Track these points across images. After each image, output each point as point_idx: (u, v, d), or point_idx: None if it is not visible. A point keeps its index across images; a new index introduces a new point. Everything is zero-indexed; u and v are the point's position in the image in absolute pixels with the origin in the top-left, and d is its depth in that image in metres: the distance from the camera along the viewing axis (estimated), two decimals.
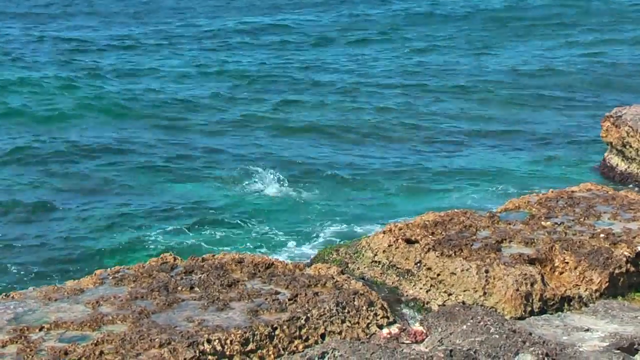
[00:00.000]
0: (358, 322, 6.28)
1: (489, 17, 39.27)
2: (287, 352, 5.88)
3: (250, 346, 5.79)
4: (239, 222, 14.24)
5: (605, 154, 16.21)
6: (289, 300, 6.34)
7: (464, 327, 5.84)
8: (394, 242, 7.94)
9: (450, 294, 7.31)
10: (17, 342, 5.63)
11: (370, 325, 6.30)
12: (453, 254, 7.50)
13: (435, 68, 28.68)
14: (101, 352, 5.49)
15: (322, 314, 6.19)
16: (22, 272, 12.30)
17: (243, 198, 15.81)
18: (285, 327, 5.98)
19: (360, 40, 34.36)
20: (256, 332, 5.85)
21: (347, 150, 19.32)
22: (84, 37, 34.68)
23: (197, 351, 5.56)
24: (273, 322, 5.98)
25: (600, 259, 7.39)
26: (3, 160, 17.78)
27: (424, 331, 6.00)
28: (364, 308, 6.37)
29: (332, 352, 5.46)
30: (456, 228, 8.13)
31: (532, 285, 7.05)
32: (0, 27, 36.53)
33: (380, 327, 6.28)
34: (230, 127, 21.20)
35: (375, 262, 8.02)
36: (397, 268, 7.81)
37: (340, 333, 6.15)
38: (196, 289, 6.54)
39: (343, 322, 6.23)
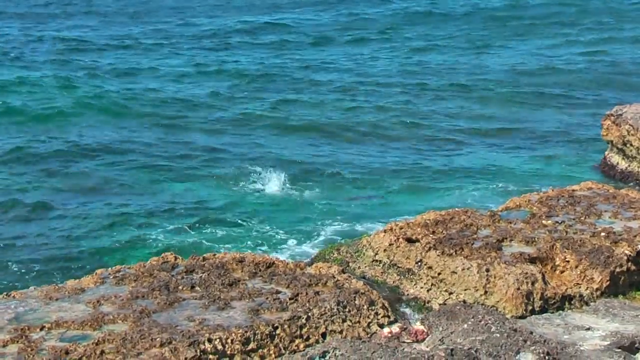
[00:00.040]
0: (359, 321, 6.28)
1: (489, 16, 39.27)
2: (288, 352, 5.88)
3: (251, 345, 5.79)
4: (239, 221, 14.24)
5: (606, 153, 16.22)
6: (290, 299, 6.33)
7: (465, 326, 5.84)
8: (395, 241, 7.94)
9: (451, 293, 7.31)
10: (18, 341, 5.63)
11: (371, 324, 6.30)
12: (454, 253, 7.50)
13: (435, 67, 28.67)
14: (102, 352, 5.49)
15: (323, 313, 6.19)
16: (23, 272, 12.30)
17: (243, 197, 15.80)
18: (286, 326, 5.98)
19: (360, 39, 34.36)
20: (257, 332, 5.85)
21: (347, 149, 19.32)
22: (83, 36, 34.67)
23: (198, 350, 5.56)
24: (274, 321, 5.98)
25: (601, 258, 7.39)
26: (3, 160, 17.77)
27: (425, 330, 6.00)
28: (365, 307, 6.37)
29: (333, 351, 5.46)
30: (457, 227, 8.13)
31: (533, 284, 7.05)
32: None
33: (381, 326, 6.28)
34: (230, 126, 21.19)
35: (376, 261, 8.02)
36: (398, 267, 7.81)
37: (341, 332, 6.15)
38: (197, 288, 6.54)
39: (344, 321, 6.23)
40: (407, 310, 7.37)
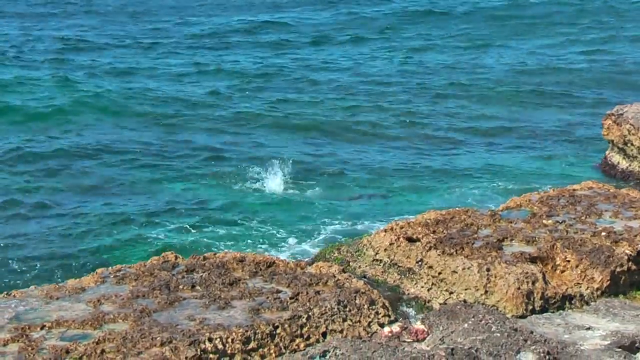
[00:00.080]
0: (359, 321, 6.28)
1: (489, 15, 39.26)
2: (288, 351, 5.88)
3: (252, 345, 5.79)
4: (240, 220, 14.24)
5: (607, 152, 16.22)
6: (290, 298, 6.33)
7: (466, 325, 5.84)
8: (396, 240, 7.94)
9: (451, 293, 7.31)
10: (18, 340, 5.63)
11: (371, 323, 6.30)
12: (454, 253, 7.50)
13: (435, 66, 28.67)
14: (102, 351, 5.49)
15: (323, 312, 6.19)
16: (23, 271, 12.30)
17: (244, 196, 15.80)
18: (286, 325, 5.98)
19: (360, 39, 34.35)
20: (257, 331, 5.85)
21: (347, 149, 19.32)
22: (82, 36, 34.66)
23: (199, 350, 5.56)
24: (274, 321, 5.98)
25: (602, 257, 7.39)
26: (2, 159, 17.78)
27: (426, 330, 5.99)
28: (366, 306, 6.37)
29: (334, 350, 5.46)
30: (457, 226, 8.12)
31: (533, 283, 7.05)
32: None
33: (382, 325, 6.28)
34: (231, 125, 21.20)
35: (377, 260, 8.02)
36: (399, 266, 7.81)
37: (341, 332, 6.14)
38: (197, 287, 6.54)
39: (344, 320, 6.22)
40: (408, 310, 7.37)
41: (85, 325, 5.86)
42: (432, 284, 7.49)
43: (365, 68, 28.58)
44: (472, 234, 7.93)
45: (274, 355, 5.82)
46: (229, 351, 5.69)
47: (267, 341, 5.85)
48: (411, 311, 7.35)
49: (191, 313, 6.07)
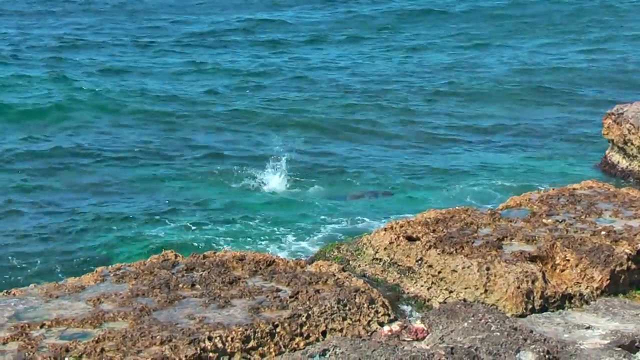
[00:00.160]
0: (359, 320, 6.28)
1: (488, 14, 39.23)
2: (288, 350, 5.88)
3: (252, 343, 5.79)
4: (239, 219, 14.24)
5: (607, 152, 16.22)
6: (290, 297, 6.33)
7: (465, 324, 5.84)
8: (395, 239, 7.94)
9: (451, 292, 7.31)
10: (18, 339, 5.63)
11: (371, 322, 6.30)
12: (454, 252, 7.50)
13: (435, 65, 28.66)
14: (102, 349, 5.49)
15: (323, 311, 6.19)
16: (22, 269, 12.30)
17: (243, 195, 15.80)
18: (286, 324, 5.98)
19: (359, 38, 34.32)
20: (257, 330, 5.85)
21: (347, 147, 19.32)
22: (80, 34, 34.62)
23: (198, 348, 5.56)
24: (274, 320, 5.98)
25: (602, 257, 7.39)
26: (1, 158, 17.77)
27: (425, 329, 6.00)
28: (365, 305, 6.37)
29: (333, 349, 5.46)
30: (457, 225, 8.13)
31: (533, 282, 7.05)
32: None
33: (381, 324, 6.28)
34: (230, 124, 21.19)
35: (377, 259, 8.02)
36: (398, 265, 7.81)
37: (341, 330, 6.15)
38: (197, 286, 6.54)
39: (344, 319, 6.23)
40: (407, 309, 7.37)
41: (85, 324, 5.86)
42: (432, 283, 7.49)
43: (364, 67, 28.56)
44: (472, 233, 7.93)
45: (273, 354, 5.82)
46: (228, 350, 5.69)
47: (267, 340, 5.86)
48: (411, 310, 7.35)
49: (191, 312, 6.07)
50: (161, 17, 39.51)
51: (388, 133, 20.50)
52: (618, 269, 7.37)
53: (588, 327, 6.37)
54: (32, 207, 14.96)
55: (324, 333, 6.08)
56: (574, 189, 9.36)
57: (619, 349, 5.85)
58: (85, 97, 23.11)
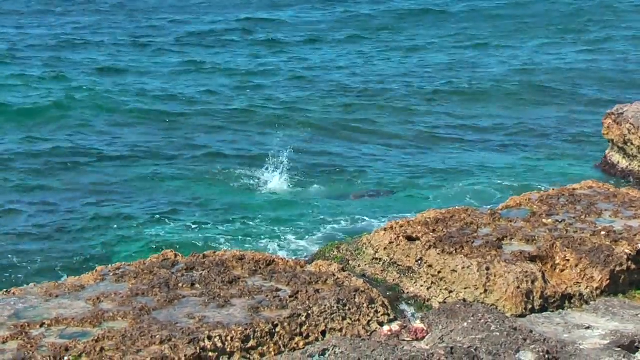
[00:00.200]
0: (359, 320, 6.28)
1: (488, 14, 39.23)
2: (287, 349, 5.88)
3: (251, 343, 5.79)
4: (239, 218, 14.24)
5: (607, 152, 16.22)
6: (290, 297, 6.33)
7: (465, 324, 5.84)
8: (395, 239, 7.94)
9: (451, 292, 7.31)
10: (17, 338, 5.63)
11: (371, 322, 6.30)
12: (454, 251, 7.50)
13: (435, 65, 28.65)
14: (102, 349, 5.49)
15: (322, 311, 6.19)
16: (22, 269, 12.30)
17: (243, 195, 15.80)
18: (286, 324, 5.98)
19: (359, 37, 34.32)
20: (257, 329, 5.85)
21: (347, 147, 19.32)
22: (79, 33, 34.62)
23: (198, 348, 5.56)
24: (274, 319, 5.98)
25: (601, 257, 7.39)
26: (2, 158, 17.77)
27: (425, 328, 6.00)
28: (365, 305, 6.37)
29: (333, 349, 5.46)
30: (457, 225, 8.12)
31: (533, 282, 7.05)
32: None
33: (381, 324, 6.28)
34: (230, 123, 21.20)
35: (376, 259, 8.02)
36: (398, 265, 7.81)
37: (341, 330, 6.14)
38: (197, 285, 6.54)
39: (344, 319, 6.22)
40: (407, 309, 7.37)
41: (84, 323, 5.86)
42: (432, 282, 7.49)
43: (363, 66, 28.56)
44: (471, 232, 7.93)
45: (273, 353, 5.82)
46: (228, 349, 5.69)
47: (267, 339, 5.86)
48: (410, 310, 7.35)
49: (191, 311, 6.07)
50: (160, 17, 39.50)
51: (388, 133, 20.50)
52: (618, 269, 7.36)
53: (588, 327, 6.37)
54: (31, 206, 14.97)
55: (323, 333, 6.08)
56: (574, 189, 9.36)
57: (619, 349, 5.85)
58: (84, 96, 23.11)
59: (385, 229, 8.19)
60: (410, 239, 7.90)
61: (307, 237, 13.33)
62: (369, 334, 6.17)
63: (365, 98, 23.82)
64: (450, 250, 7.52)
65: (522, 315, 6.79)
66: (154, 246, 12.71)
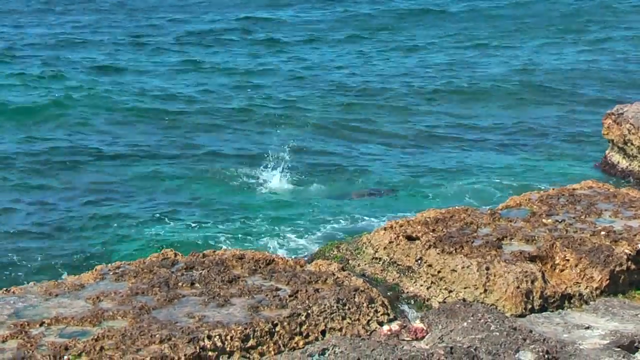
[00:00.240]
0: (358, 319, 6.28)
1: (488, 13, 39.24)
2: (287, 349, 5.87)
3: (251, 342, 5.79)
4: (239, 217, 14.24)
5: (607, 152, 16.23)
6: (290, 296, 6.33)
7: (465, 324, 5.84)
8: (395, 238, 7.94)
9: (450, 291, 7.31)
10: (17, 337, 5.63)
11: (370, 322, 6.30)
12: (454, 251, 7.50)
13: (434, 64, 28.65)
14: (101, 348, 5.49)
15: (322, 310, 6.19)
16: (22, 268, 12.30)
17: (243, 194, 15.80)
18: (285, 323, 5.98)
19: (359, 37, 34.32)
20: (256, 329, 5.85)
21: (347, 147, 19.32)
22: (78, 33, 34.60)
23: (198, 347, 5.56)
24: (273, 319, 5.98)
25: (601, 257, 7.39)
26: (1, 157, 17.76)
27: (425, 328, 6.00)
28: (365, 305, 6.37)
29: (333, 348, 5.46)
30: (457, 225, 8.12)
31: (532, 282, 7.05)
32: None
33: (381, 324, 6.28)
34: (229, 122, 21.20)
35: (376, 258, 8.02)
36: (398, 265, 7.81)
37: (340, 330, 6.14)
38: (197, 284, 6.54)
39: (343, 318, 6.22)
40: (407, 308, 7.37)
41: (84, 322, 5.86)
42: (432, 282, 7.49)
43: (363, 66, 28.57)
44: (471, 232, 7.93)
45: (272, 353, 5.82)
46: (227, 349, 5.69)
47: (266, 339, 5.85)
48: (410, 310, 7.35)
49: (190, 310, 6.07)
50: (160, 16, 39.50)
51: (388, 132, 20.50)
52: (617, 269, 7.36)
53: (587, 327, 6.37)
54: (31, 205, 14.96)
55: (323, 332, 6.08)
56: (573, 189, 9.35)
57: (618, 349, 5.85)
58: (83, 95, 23.11)
59: (385, 229, 8.19)
60: (410, 238, 7.89)
61: (306, 236, 13.33)
62: (368, 333, 6.17)
63: (365, 97, 23.83)
64: (450, 249, 7.52)
65: (522, 315, 6.79)
66: (153, 245, 12.70)
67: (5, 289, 6.55)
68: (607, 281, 7.26)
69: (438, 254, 7.53)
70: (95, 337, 5.61)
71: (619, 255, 7.46)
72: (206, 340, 5.64)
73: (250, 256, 7.12)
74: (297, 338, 5.97)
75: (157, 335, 5.60)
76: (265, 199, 15.43)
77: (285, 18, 38.77)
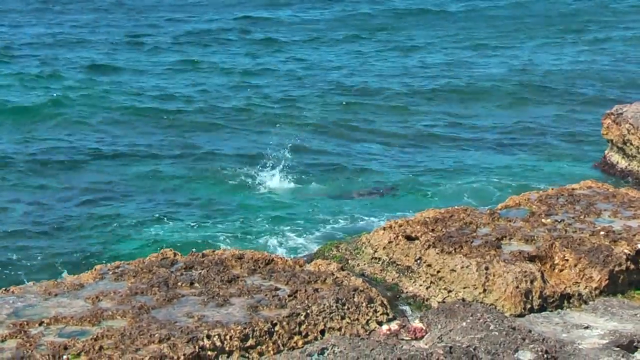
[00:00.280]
0: (358, 319, 6.28)
1: (488, 13, 39.26)
2: (286, 348, 5.87)
3: (250, 342, 5.79)
4: (238, 217, 14.24)
5: (606, 152, 16.23)
6: (289, 296, 6.33)
7: (464, 324, 5.84)
8: (394, 238, 7.94)
9: (450, 291, 7.30)
10: (16, 336, 5.63)
11: (369, 321, 6.30)
12: (453, 251, 7.49)
13: (434, 64, 28.66)
14: (101, 347, 5.48)
15: (321, 310, 6.19)
16: (21, 267, 12.30)
17: (242, 194, 15.80)
18: (284, 323, 5.97)
19: (358, 36, 34.33)
20: (256, 328, 5.85)
21: (346, 147, 19.32)
22: (76, 32, 34.59)
23: (197, 347, 5.56)
24: (273, 318, 5.98)
25: (600, 257, 7.38)
26: (0, 157, 17.76)
27: (424, 328, 6.00)
28: (364, 304, 6.37)
29: (332, 348, 5.46)
30: (456, 225, 8.12)
31: (531, 282, 7.05)
32: None
33: (380, 323, 6.28)
34: (228, 122, 21.20)
35: (375, 258, 8.02)
36: (397, 265, 7.81)
37: (339, 329, 6.14)
38: (196, 284, 6.54)
39: (343, 318, 6.22)
40: (406, 308, 7.36)
41: (83, 322, 5.86)
42: (431, 282, 7.49)
43: (362, 65, 28.57)
44: (471, 232, 7.93)
45: (272, 352, 5.82)
46: (227, 348, 5.69)
47: (265, 338, 5.85)
48: (409, 309, 7.35)
49: (189, 310, 6.07)
50: (158, 15, 39.51)
51: (387, 132, 20.51)
52: (617, 269, 7.36)
53: (587, 327, 6.37)
54: (30, 205, 14.96)
55: (322, 332, 6.08)
56: (573, 188, 9.35)
57: (618, 348, 5.85)
58: (81, 95, 23.11)
59: (384, 228, 8.19)
60: (409, 238, 7.89)
61: (305, 236, 13.34)
62: (367, 333, 6.17)
63: (363, 97, 23.83)
64: (449, 249, 7.51)
65: (521, 315, 6.79)
66: (153, 245, 12.71)
67: (4, 288, 6.55)
68: (606, 281, 7.26)
69: (437, 253, 7.52)
70: (95, 336, 5.61)
71: (618, 255, 7.46)
72: (205, 340, 5.63)
73: (249, 256, 7.12)
74: (296, 338, 5.97)
75: (156, 335, 5.60)
76: (264, 199, 15.43)
77: (284, 17, 38.78)
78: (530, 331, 5.80)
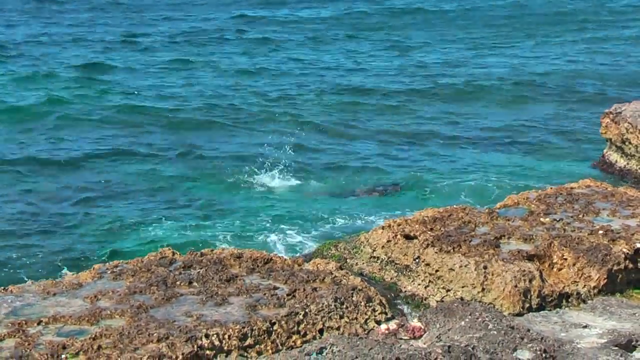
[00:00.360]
0: (356, 318, 6.27)
1: (488, 13, 39.27)
2: (285, 348, 5.87)
3: (249, 341, 5.78)
4: (237, 217, 14.24)
5: (605, 151, 16.24)
6: (288, 295, 6.33)
7: (462, 323, 5.84)
8: (393, 237, 7.93)
9: (448, 290, 7.30)
10: (15, 335, 5.62)
11: (368, 320, 6.30)
12: (452, 250, 7.49)
13: (434, 64, 28.67)
14: (99, 347, 5.48)
15: (320, 309, 6.18)
16: (20, 267, 12.29)
17: (241, 193, 15.80)
18: (283, 322, 5.97)
19: (358, 36, 34.33)
20: (254, 327, 5.84)
21: (345, 146, 19.32)
22: (75, 32, 34.56)
23: (195, 346, 5.55)
24: (271, 318, 5.97)
25: (599, 256, 7.39)
26: (1, 156, 17.75)
27: (422, 327, 6.00)
28: (362, 304, 6.37)
29: (330, 347, 5.46)
30: (455, 224, 8.12)
31: (530, 281, 7.05)
32: None
33: (379, 322, 6.28)
34: (225, 121, 21.20)
35: (374, 257, 8.02)
36: (396, 264, 7.80)
37: (338, 328, 6.14)
38: (195, 283, 6.53)
39: (341, 317, 6.22)
40: (405, 307, 7.36)
41: (82, 321, 5.85)
42: (429, 281, 7.48)
43: (360, 64, 28.57)
44: (469, 231, 7.92)
45: (270, 351, 5.82)
46: (225, 347, 5.68)
47: (264, 338, 5.85)
48: (408, 308, 7.34)
49: (188, 309, 6.06)
50: (154, 14, 39.49)
51: (385, 131, 20.51)
52: (615, 268, 7.36)
53: (585, 326, 6.38)
54: (28, 204, 14.95)
55: (321, 331, 6.07)
56: (571, 187, 9.35)
57: (616, 348, 5.85)
58: (78, 94, 23.09)
59: (382, 228, 8.18)
60: (407, 237, 7.89)
61: (304, 235, 13.33)
62: (366, 332, 6.17)
63: (362, 96, 23.83)
64: (447, 248, 7.51)
65: (520, 314, 6.79)
66: (151, 244, 12.70)
67: (2, 287, 6.54)
68: (605, 280, 7.26)
69: (436, 252, 7.52)
70: (93, 335, 5.60)
71: (617, 254, 7.46)
72: (204, 339, 5.63)
73: (248, 255, 7.11)
74: (294, 337, 5.97)
75: (154, 334, 5.60)
76: (262, 198, 15.43)
77: (281, 16, 38.77)
78: (528, 330, 5.80)
